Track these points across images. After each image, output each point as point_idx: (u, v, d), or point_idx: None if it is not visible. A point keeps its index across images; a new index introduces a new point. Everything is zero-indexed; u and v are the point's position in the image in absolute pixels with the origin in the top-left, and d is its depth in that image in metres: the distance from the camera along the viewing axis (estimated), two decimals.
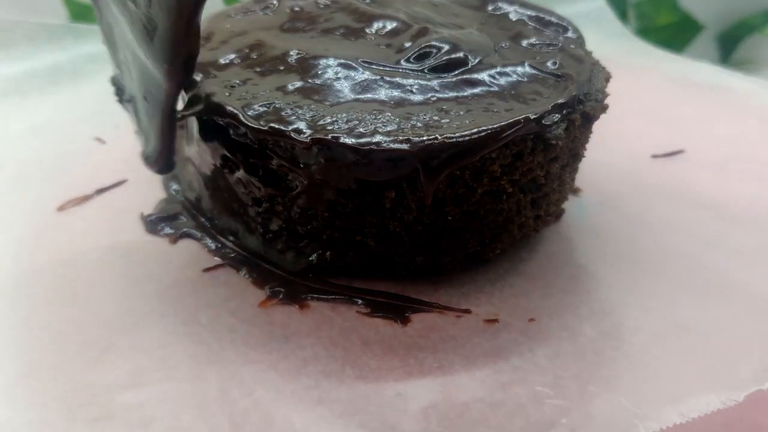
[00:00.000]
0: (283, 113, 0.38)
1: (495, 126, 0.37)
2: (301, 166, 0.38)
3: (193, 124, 0.44)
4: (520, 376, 0.36)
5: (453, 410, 0.34)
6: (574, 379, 0.36)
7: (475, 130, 0.36)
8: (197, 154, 0.46)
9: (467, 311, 0.40)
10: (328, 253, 0.42)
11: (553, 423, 0.33)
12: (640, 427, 0.32)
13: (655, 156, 0.59)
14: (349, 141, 0.36)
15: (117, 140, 0.59)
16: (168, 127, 0.38)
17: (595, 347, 0.38)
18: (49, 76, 0.71)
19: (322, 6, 0.50)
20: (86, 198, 0.51)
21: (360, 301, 0.41)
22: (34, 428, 0.32)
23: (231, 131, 0.40)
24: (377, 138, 0.36)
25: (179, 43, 0.33)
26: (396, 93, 0.39)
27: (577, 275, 0.44)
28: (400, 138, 0.36)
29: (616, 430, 0.32)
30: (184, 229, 0.47)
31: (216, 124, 0.41)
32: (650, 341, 0.38)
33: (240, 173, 0.42)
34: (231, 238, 0.46)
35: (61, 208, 0.50)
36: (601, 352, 0.37)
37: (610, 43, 0.82)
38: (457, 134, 0.36)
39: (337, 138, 0.36)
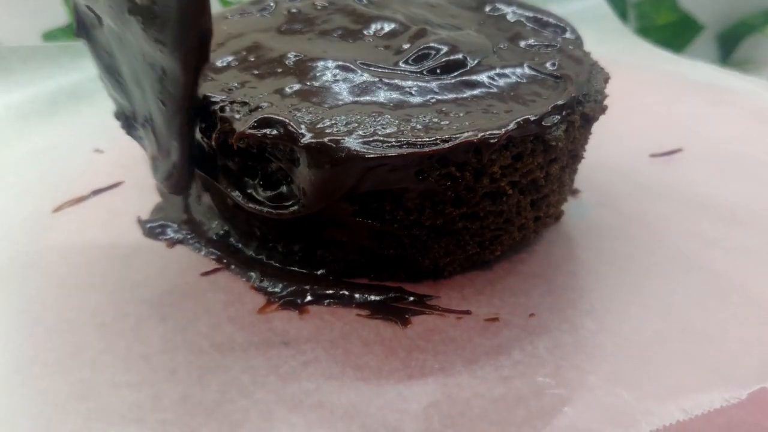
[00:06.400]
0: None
1: (495, 127, 0.37)
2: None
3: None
4: (521, 370, 0.36)
5: (454, 408, 0.33)
6: (575, 369, 0.36)
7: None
8: None
9: (467, 312, 0.40)
10: (326, 255, 0.42)
11: (554, 413, 0.33)
12: (642, 422, 0.32)
13: (653, 155, 0.59)
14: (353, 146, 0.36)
15: (114, 148, 0.59)
16: (186, 125, 0.36)
17: (596, 340, 0.38)
18: (49, 99, 0.69)
19: (319, 8, 0.50)
20: (82, 199, 0.51)
21: (360, 303, 0.41)
22: (29, 420, 0.33)
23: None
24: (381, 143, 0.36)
25: (191, 24, 0.32)
26: (395, 95, 0.39)
27: (577, 273, 0.44)
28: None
29: (617, 423, 0.32)
30: (180, 235, 0.47)
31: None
32: (652, 339, 0.38)
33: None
34: (229, 241, 0.46)
35: (57, 209, 0.50)
36: (602, 345, 0.38)
37: (608, 42, 0.82)
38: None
39: (338, 141, 0.36)
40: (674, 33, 0.98)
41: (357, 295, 0.42)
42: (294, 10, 0.50)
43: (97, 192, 0.52)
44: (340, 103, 0.39)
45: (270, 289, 0.42)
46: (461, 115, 0.38)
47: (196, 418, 0.33)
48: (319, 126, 0.37)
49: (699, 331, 0.39)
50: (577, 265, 0.45)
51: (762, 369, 0.36)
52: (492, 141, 0.36)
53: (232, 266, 0.44)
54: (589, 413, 0.33)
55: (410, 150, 0.35)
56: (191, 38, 0.32)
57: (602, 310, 0.40)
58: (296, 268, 0.43)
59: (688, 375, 0.35)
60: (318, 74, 0.41)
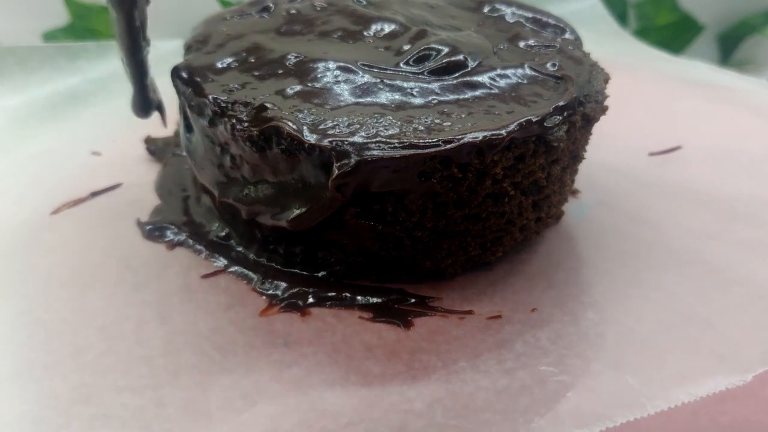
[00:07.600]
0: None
1: (497, 128, 0.37)
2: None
3: (195, 132, 0.44)
4: (524, 361, 0.36)
5: (458, 402, 0.34)
6: (578, 358, 0.36)
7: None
8: (194, 161, 0.46)
9: (470, 312, 0.40)
10: (327, 257, 0.42)
11: (558, 398, 0.33)
12: (647, 405, 0.32)
13: (652, 153, 0.59)
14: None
15: (112, 150, 0.59)
16: (131, 60, 0.44)
17: (598, 330, 0.38)
18: (46, 103, 0.68)
19: (318, 9, 0.50)
20: (80, 201, 0.51)
21: (362, 305, 0.41)
22: (29, 425, 0.32)
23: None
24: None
25: None
26: (396, 96, 0.39)
27: (578, 269, 0.44)
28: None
29: (621, 406, 0.32)
30: (180, 237, 0.47)
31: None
32: (654, 327, 0.38)
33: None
34: (230, 243, 0.46)
35: (55, 212, 0.49)
36: (604, 334, 0.38)
37: (606, 43, 0.82)
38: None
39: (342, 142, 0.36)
40: (674, 33, 0.98)
41: (359, 297, 0.41)
42: (293, 12, 0.50)
43: (95, 194, 0.52)
44: (342, 104, 0.38)
45: (271, 292, 0.42)
46: (463, 116, 0.38)
47: (199, 428, 0.32)
48: (321, 127, 0.36)
49: (701, 319, 0.39)
50: (578, 262, 0.45)
51: (766, 354, 0.36)
52: (495, 142, 0.36)
53: (233, 268, 0.44)
54: (592, 397, 0.33)
55: (412, 151, 0.35)
56: None
57: (604, 302, 0.41)
58: (297, 270, 0.43)
59: (692, 360, 0.36)
60: (319, 75, 0.41)
